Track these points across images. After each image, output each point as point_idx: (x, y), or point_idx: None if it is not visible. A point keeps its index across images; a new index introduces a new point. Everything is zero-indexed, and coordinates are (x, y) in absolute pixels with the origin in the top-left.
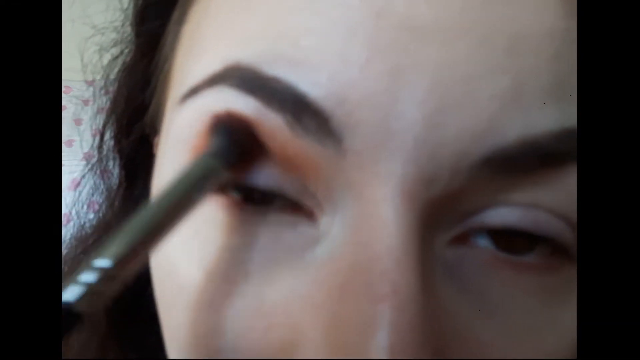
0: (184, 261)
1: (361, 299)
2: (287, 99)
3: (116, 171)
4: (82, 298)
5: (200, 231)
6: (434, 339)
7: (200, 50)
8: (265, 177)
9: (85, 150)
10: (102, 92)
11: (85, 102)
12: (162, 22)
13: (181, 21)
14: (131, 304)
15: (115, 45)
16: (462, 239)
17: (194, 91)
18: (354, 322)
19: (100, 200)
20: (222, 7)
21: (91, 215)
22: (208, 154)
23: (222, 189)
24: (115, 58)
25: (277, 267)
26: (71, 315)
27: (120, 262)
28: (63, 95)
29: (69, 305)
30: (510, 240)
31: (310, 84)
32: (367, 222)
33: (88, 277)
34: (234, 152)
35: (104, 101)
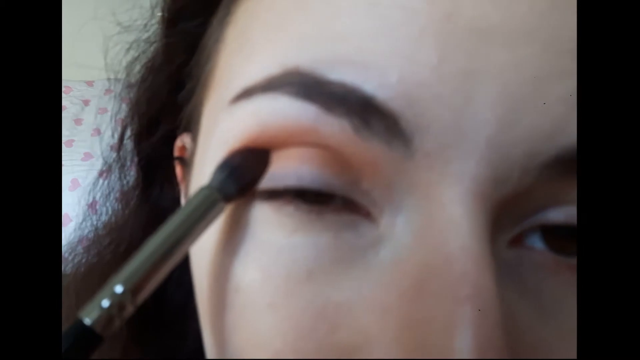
0: (238, 264)
1: (440, 300)
2: (353, 103)
3: (132, 172)
4: (99, 320)
5: (254, 233)
6: (512, 340)
7: (252, 51)
8: (314, 180)
9: (85, 150)
10: (104, 91)
11: (86, 102)
12: (200, 22)
13: (225, 22)
14: (151, 308)
15: (138, 44)
16: (518, 241)
17: (247, 93)
18: (432, 323)
19: (113, 203)
20: (273, 7)
21: (100, 217)
22: (208, 185)
23: (275, 194)
24: (137, 58)
25: (339, 267)
26: (92, 335)
27: (134, 288)
28: (63, 95)
29: (89, 327)
30: (564, 241)
31: (377, 85)
32: (436, 223)
33: (106, 302)
34: (233, 187)
35: (109, 100)
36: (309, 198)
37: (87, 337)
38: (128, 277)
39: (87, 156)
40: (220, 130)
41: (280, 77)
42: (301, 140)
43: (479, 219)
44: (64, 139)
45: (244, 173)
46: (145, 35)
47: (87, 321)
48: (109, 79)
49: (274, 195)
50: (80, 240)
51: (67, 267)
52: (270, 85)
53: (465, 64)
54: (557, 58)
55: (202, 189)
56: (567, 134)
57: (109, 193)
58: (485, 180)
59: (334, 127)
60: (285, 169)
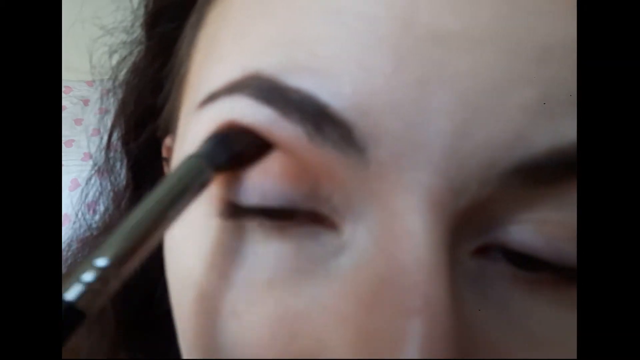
0: (204, 271)
1: (391, 312)
2: (307, 110)
3: (123, 172)
4: (83, 296)
5: (220, 242)
6: (463, 351)
7: (219, 56)
8: (280, 198)
9: (85, 150)
10: (111, 93)
11: (85, 102)
12: (176, 25)
13: (198, 25)
14: (141, 305)
15: (124, 46)
16: (484, 251)
17: (211, 98)
18: (383, 335)
19: (105, 202)
20: (241, 12)
21: (95, 217)
22: (196, 154)
23: (240, 213)
24: (124, 59)
25: (300, 276)
26: (74, 313)
27: (118, 261)
28: (63, 95)
29: (70, 303)
30: (523, 257)
31: (332, 94)
32: (393, 233)
33: (88, 276)
34: (222, 156)
35: (111, 102)
36: (273, 214)
37: (69, 314)
38: (112, 249)
39: (87, 156)
40: (190, 135)
41: (241, 81)
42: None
43: (435, 230)
44: (64, 139)
45: (234, 143)
46: (130, 37)
47: (69, 297)
48: (95, 80)
49: (239, 211)
50: (74, 241)
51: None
52: (232, 89)
53: (421, 72)
54: (520, 65)
55: (190, 157)
56: (527, 143)
57: (101, 193)
58: (440, 190)
59: (289, 132)
60: (248, 186)
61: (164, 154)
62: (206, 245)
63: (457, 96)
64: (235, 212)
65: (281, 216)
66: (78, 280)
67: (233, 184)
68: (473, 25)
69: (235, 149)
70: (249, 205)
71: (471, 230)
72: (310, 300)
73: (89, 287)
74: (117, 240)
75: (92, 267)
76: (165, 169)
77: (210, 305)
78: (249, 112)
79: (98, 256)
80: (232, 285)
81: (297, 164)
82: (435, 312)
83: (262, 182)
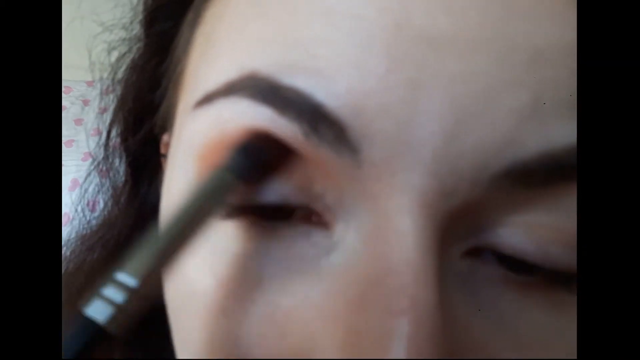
0: (195, 269)
1: (379, 312)
2: (303, 109)
3: (122, 169)
4: (112, 318)
5: (211, 240)
6: (450, 352)
7: (215, 55)
8: (274, 193)
9: (85, 150)
10: (110, 89)
11: (86, 102)
12: (173, 23)
13: (195, 23)
14: None
15: (123, 43)
16: (475, 253)
17: (208, 98)
18: (371, 335)
19: (105, 199)
20: (237, 11)
21: (94, 214)
22: (224, 167)
23: (234, 213)
24: (123, 56)
25: (291, 275)
26: (102, 335)
27: (146, 280)
28: (63, 95)
29: (100, 326)
30: (514, 260)
31: (327, 94)
32: (383, 233)
33: (115, 295)
34: (250, 167)
35: (110, 99)
36: (267, 213)
37: (98, 336)
38: (141, 268)
39: (87, 156)
40: (185, 135)
41: (238, 82)
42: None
43: (425, 231)
44: (64, 139)
45: (259, 153)
46: (128, 34)
47: (99, 318)
48: (94, 80)
49: (232, 212)
50: (73, 239)
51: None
52: (230, 90)
53: (413, 73)
54: (511, 68)
55: (218, 171)
56: (518, 146)
57: (100, 190)
58: (431, 192)
59: (287, 130)
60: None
61: (162, 150)
62: (198, 245)
63: (448, 99)
64: (229, 212)
65: (275, 216)
66: (102, 296)
67: None
68: (465, 28)
69: (261, 160)
70: (243, 203)
71: (462, 232)
72: (301, 299)
73: (119, 308)
74: (146, 259)
75: (119, 285)
76: (164, 165)
77: (201, 303)
78: (247, 113)
79: (126, 274)
80: (222, 283)
81: (292, 160)
82: (422, 313)
83: (263, 177)
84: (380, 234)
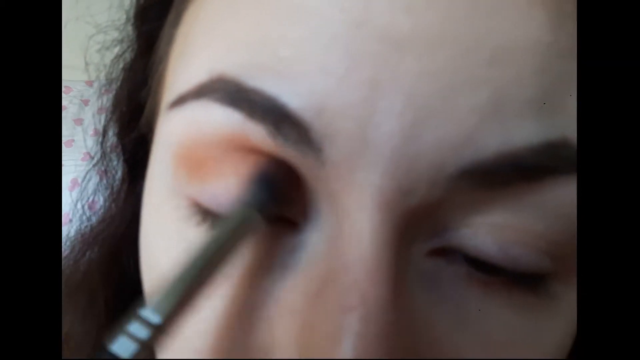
0: (165, 263)
1: (332, 308)
2: (268, 110)
3: (119, 168)
4: (135, 355)
5: (181, 240)
6: (404, 349)
7: (189, 56)
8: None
9: (85, 150)
10: (103, 90)
11: (85, 102)
12: (159, 23)
13: (175, 24)
14: (135, 294)
15: (117, 43)
16: (440, 252)
17: (181, 100)
18: (324, 331)
19: (103, 197)
20: (210, 11)
21: (93, 213)
22: (247, 204)
23: (206, 222)
24: (118, 57)
25: (257, 271)
26: None
27: (171, 318)
28: (63, 95)
29: None
30: (480, 261)
31: (291, 94)
32: (342, 232)
33: (140, 332)
34: (272, 203)
35: (105, 100)
36: None
37: None
38: (167, 306)
39: (87, 156)
40: (162, 135)
41: (208, 84)
42: (234, 145)
43: (381, 229)
44: (64, 139)
45: (274, 183)
46: (122, 35)
47: (123, 355)
48: (94, 80)
49: (207, 218)
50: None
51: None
52: (200, 92)
53: (372, 73)
54: (471, 67)
55: (242, 209)
56: (477, 146)
57: (97, 189)
58: (389, 190)
59: (255, 133)
60: (222, 191)
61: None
62: (171, 244)
63: (406, 97)
64: (203, 218)
65: None
66: (127, 333)
67: (205, 186)
68: (425, 26)
69: (277, 190)
70: (220, 212)
71: (425, 232)
72: (267, 294)
73: (142, 345)
74: (171, 296)
75: (145, 322)
76: None
77: None
78: (220, 116)
79: (152, 310)
80: None
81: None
82: (371, 310)
83: (235, 188)
84: (340, 232)
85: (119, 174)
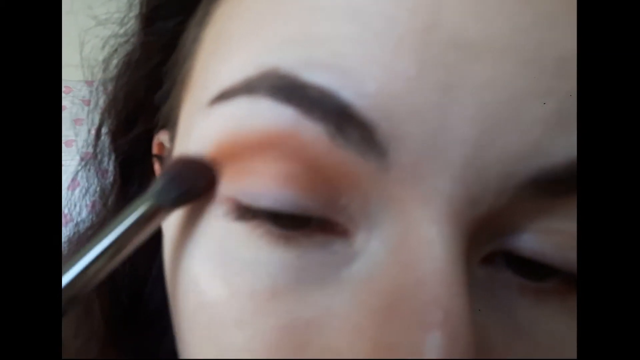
0: (206, 277)
1: (409, 326)
2: (329, 109)
3: (111, 169)
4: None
5: (224, 247)
6: (483, 357)
7: (229, 52)
8: (290, 203)
9: (85, 150)
10: (101, 87)
11: (86, 102)
12: (178, 21)
13: (203, 22)
14: (129, 304)
15: (116, 38)
16: (490, 259)
17: (225, 95)
18: (402, 349)
19: (94, 200)
20: (251, 10)
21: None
22: (148, 194)
23: (246, 220)
24: (115, 51)
25: (308, 285)
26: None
27: (69, 304)
28: (63, 95)
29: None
30: (530, 266)
31: (355, 93)
32: (409, 242)
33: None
34: (173, 194)
35: (100, 98)
36: (282, 221)
37: None
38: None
39: (87, 156)
40: (197, 133)
41: (258, 79)
42: (280, 146)
43: (453, 240)
44: (64, 139)
45: (184, 181)
46: (123, 30)
47: None
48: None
49: (247, 214)
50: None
51: None
52: (249, 87)
53: (444, 77)
54: (538, 76)
55: (140, 199)
56: (545, 155)
57: (87, 190)
58: (460, 200)
59: (312, 132)
60: (261, 188)
61: (155, 151)
62: (210, 249)
63: (478, 104)
64: (243, 214)
65: (291, 224)
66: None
67: (244, 183)
68: (494, 34)
69: (186, 186)
70: (259, 208)
71: (483, 239)
72: (321, 309)
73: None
74: (68, 274)
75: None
76: (155, 167)
77: (213, 314)
78: (270, 112)
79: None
80: (235, 293)
81: (318, 171)
82: (456, 326)
83: (277, 187)
84: (406, 243)
85: (110, 175)
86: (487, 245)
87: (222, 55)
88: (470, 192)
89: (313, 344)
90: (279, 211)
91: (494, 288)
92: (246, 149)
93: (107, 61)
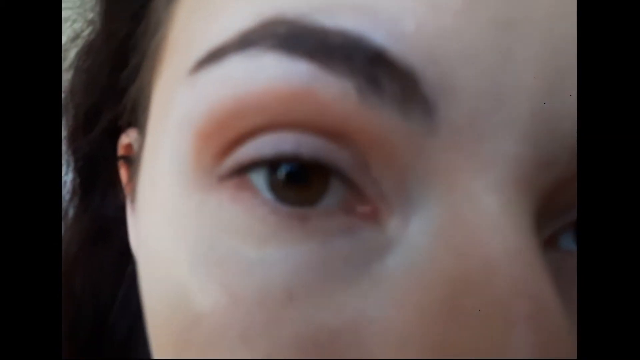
0: (197, 285)
1: (486, 322)
2: (357, 57)
3: (69, 178)
4: None
5: (220, 244)
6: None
7: (216, 7)
8: (309, 145)
9: None
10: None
11: None
12: None
13: None
14: (94, 334)
15: (72, 24)
16: (551, 241)
17: (216, 55)
18: (476, 351)
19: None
20: None
21: None
22: None
23: (246, 184)
24: (73, 39)
25: (332, 284)
26: None
27: None
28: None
29: None
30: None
31: (390, 35)
32: (465, 220)
33: None
34: None
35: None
36: (290, 196)
37: None
38: None
39: None
40: (179, 109)
41: (259, 29)
42: (293, 112)
43: (523, 214)
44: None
45: None
46: (81, 13)
47: None
48: None
49: (244, 169)
50: None
51: None
52: (247, 41)
53: (500, 10)
54: None
55: None
56: None
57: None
58: (528, 162)
59: (334, 90)
60: (278, 136)
61: (121, 152)
62: (200, 247)
63: (546, 41)
64: (239, 171)
65: (301, 199)
66: None
67: (243, 158)
68: None
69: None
70: (277, 152)
71: (549, 214)
72: (353, 314)
73: None
74: None
75: None
76: (122, 171)
77: (211, 329)
78: (276, 70)
79: None
80: (238, 302)
81: (339, 140)
82: (549, 317)
83: (296, 133)
84: (460, 221)
85: (68, 185)
86: (548, 226)
87: (208, 10)
88: (541, 151)
89: (348, 353)
90: (300, 155)
91: (558, 274)
92: (246, 119)
93: (65, 49)
